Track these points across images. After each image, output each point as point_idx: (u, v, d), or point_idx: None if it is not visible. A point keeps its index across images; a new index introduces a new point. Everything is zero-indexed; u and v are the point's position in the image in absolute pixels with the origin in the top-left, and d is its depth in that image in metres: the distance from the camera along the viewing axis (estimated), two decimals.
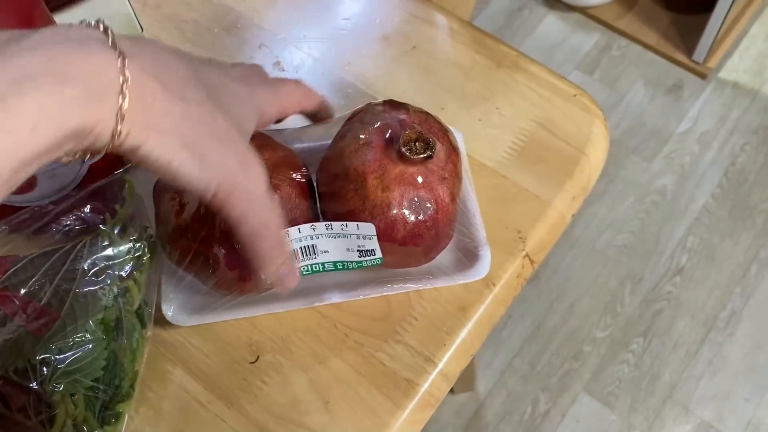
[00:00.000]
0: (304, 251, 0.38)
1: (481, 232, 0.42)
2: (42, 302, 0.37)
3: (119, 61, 0.26)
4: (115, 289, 0.38)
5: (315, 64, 0.51)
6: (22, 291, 0.37)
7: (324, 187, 0.40)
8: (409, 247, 0.39)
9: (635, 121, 1.43)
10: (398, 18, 0.53)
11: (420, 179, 0.37)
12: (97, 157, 0.28)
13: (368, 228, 0.37)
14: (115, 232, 0.40)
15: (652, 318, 1.25)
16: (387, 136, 0.37)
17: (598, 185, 1.35)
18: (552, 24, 1.55)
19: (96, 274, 0.38)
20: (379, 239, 0.38)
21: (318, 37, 0.53)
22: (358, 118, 0.40)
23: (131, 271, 0.39)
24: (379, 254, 0.38)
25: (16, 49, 0.25)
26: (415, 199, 0.37)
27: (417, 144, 0.36)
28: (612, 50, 1.51)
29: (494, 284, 0.43)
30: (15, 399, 0.36)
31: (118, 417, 0.37)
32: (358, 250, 0.38)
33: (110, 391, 0.37)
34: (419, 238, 0.38)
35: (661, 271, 1.29)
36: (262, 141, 0.40)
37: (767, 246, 1.30)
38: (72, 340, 0.36)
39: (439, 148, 0.37)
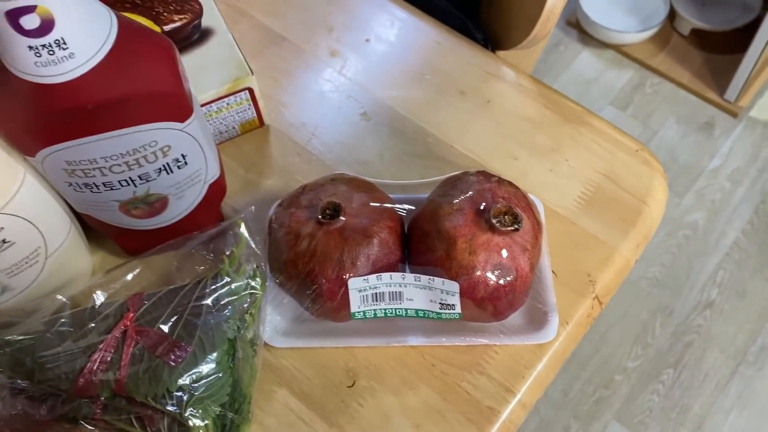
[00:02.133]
0: (391, 296, 0.43)
1: (552, 299, 0.46)
2: (174, 336, 0.42)
3: None
4: (237, 322, 0.43)
5: (397, 117, 0.57)
6: (156, 326, 0.42)
7: (416, 241, 0.44)
8: (486, 306, 0.43)
9: (667, 157, 1.47)
10: (474, 75, 0.58)
11: (505, 249, 0.42)
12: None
13: (452, 285, 0.42)
14: (233, 270, 0.45)
15: (683, 350, 1.28)
16: (479, 205, 0.42)
17: None
18: (587, 60, 1.60)
19: (219, 309, 0.43)
20: (460, 296, 0.42)
21: (400, 93, 0.58)
22: (453, 184, 0.44)
23: (248, 305, 0.45)
24: (458, 309, 0.43)
25: None
26: (498, 265, 0.42)
27: (506, 217, 0.41)
28: (645, 87, 1.56)
29: (567, 323, 0.48)
30: (153, 423, 0.41)
31: None
32: (440, 303, 0.43)
33: (233, 414, 0.42)
34: (497, 300, 0.43)
35: (692, 305, 1.32)
36: (368, 188, 0.45)
37: None
38: (203, 370, 0.41)
39: (525, 222, 0.42)
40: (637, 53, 1.57)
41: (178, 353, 0.41)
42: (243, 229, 0.45)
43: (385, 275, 0.42)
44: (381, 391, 0.46)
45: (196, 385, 0.41)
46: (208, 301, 0.43)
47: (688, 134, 1.50)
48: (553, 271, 0.49)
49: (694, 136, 1.50)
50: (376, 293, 0.43)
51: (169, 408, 0.40)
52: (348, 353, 0.47)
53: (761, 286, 1.33)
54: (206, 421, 0.40)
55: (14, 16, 0.32)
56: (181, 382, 0.40)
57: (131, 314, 0.43)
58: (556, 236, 0.50)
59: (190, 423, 0.40)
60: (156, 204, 0.45)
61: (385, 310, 0.44)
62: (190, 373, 0.41)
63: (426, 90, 0.58)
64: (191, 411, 0.40)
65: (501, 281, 0.42)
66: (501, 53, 0.62)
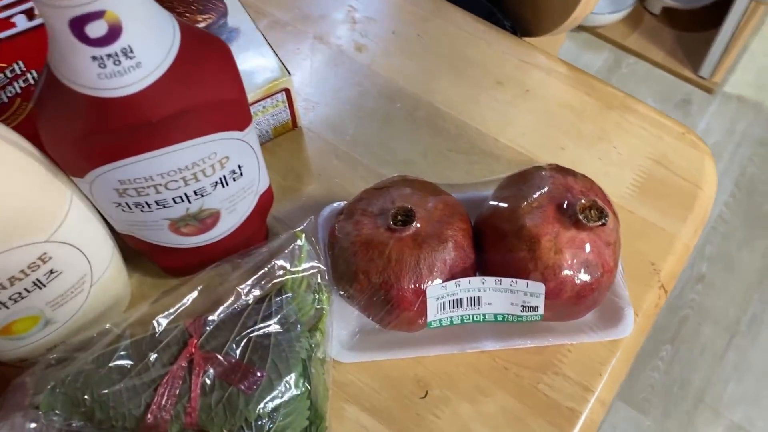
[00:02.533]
0: (469, 301, 0.41)
1: (625, 292, 0.45)
2: (245, 360, 0.39)
3: None
4: (308, 340, 0.40)
5: (436, 113, 0.54)
6: (224, 351, 0.39)
7: (490, 242, 0.42)
8: (571, 306, 0.41)
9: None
10: (509, 64, 0.56)
11: (589, 245, 0.40)
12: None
13: (538, 287, 0.40)
14: (297, 285, 0.42)
15: (678, 325, 1.30)
16: (559, 201, 0.40)
17: None
18: (563, 44, 1.60)
19: (288, 328, 0.40)
20: (545, 297, 0.41)
21: (437, 86, 0.56)
22: (524, 180, 0.42)
23: (316, 321, 0.42)
24: (541, 311, 0.41)
25: None
26: (585, 262, 0.40)
27: (592, 211, 0.39)
28: (621, 68, 1.57)
29: (637, 315, 0.46)
30: None
31: None
32: (521, 306, 0.41)
33: None
34: (583, 298, 0.41)
35: (684, 280, 1.34)
36: (436, 190, 0.43)
37: None
38: (280, 395, 0.38)
39: (609, 216, 0.40)
40: (611, 34, 1.57)
41: (252, 379, 0.38)
42: (303, 241, 0.43)
43: (464, 281, 0.40)
44: (455, 400, 0.44)
45: (275, 412, 0.38)
46: (276, 320, 0.40)
47: (665, 112, 1.51)
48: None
49: (672, 113, 1.51)
50: (453, 300, 0.41)
51: None
52: (416, 363, 0.45)
53: (748, 257, 1.36)
54: None
55: (79, 23, 0.29)
56: (259, 410, 0.38)
57: (195, 340, 0.39)
58: None
59: None
60: (208, 220, 0.42)
61: (462, 316, 0.42)
62: (267, 399, 0.38)
63: (462, 82, 0.56)
64: None
65: (588, 279, 0.40)
66: (528, 40, 0.60)
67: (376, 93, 0.55)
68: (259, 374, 0.38)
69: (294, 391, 0.39)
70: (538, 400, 0.44)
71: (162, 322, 0.40)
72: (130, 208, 0.39)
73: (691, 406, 1.23)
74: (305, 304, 0.42)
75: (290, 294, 0.41)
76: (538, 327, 0.44)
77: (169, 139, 0.35)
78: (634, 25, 1.58)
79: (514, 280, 0.40)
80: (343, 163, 0.52)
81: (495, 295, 0.41)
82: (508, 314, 0.42)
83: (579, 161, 0.52)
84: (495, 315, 0.42)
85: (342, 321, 0.44)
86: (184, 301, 0.41)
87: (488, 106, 0.54)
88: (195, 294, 0.41)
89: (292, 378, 0.39)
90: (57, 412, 0.38)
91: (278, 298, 0.41)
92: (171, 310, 0.41)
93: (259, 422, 0.37)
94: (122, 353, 0.39)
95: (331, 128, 0.54)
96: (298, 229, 0.43)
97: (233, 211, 0.43)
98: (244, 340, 0.39)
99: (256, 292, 0.42)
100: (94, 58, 0.30)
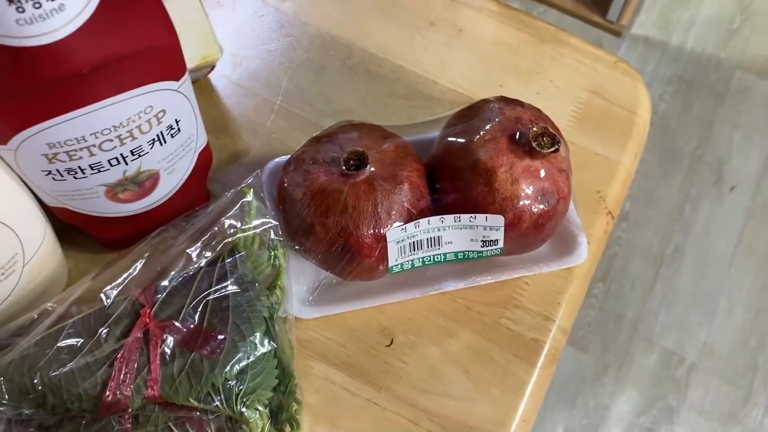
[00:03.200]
0: (429, 242, 0.41)
1: (578, 220, 0.45)
2: (204, 325, 0.37)
3: None
4: (268, 299, 0.39)
5: (371, 59, 0.53)
6: (180, 318, 0.37)
7: (445, 181, 0.41)
8: (530, 236, 0.41)
9: None
10: (438, 3, 0.55)
11: (543, 172, 0.40)
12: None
13: (497, 219, 0.40)
14: (250, 243, 0.40)
15: (608, 262, 1.35)
16: (511, 132, 0.40)
17: None
18: None
19: (246, 289, 0.38)
20: (504, 230, 0.40)
21: (368, 31, 0.54)
22: (473, 114, 0.42)
23: (274, 279, 0.40)
24: (501, 244, 0.41)
25: None
26: (541, 190, 0.40)
27: (545, 138, 0.39)
28: None
29: (588, 242, 0.47)
30: (200, 427, 0.36)
31: (296, 423, 0.38)
32: (482, 241, 0.41)
33: (283, 397, 0.38)
34: (541, 227, 0.41)
35: None
36: (384, 133, 0.42)
37: (696, 184, 1.42)
38: (246, 356, 0.37)
39: (561, 142, 0.40)
40: None
41: (214, 343, 0.36)
42: (251, 197, 0.41)
43: (423, 221, 0.39)
44: (422, 344, 0.44)
45: (242, 374, 0.36)
46: (232, 281, 0.38)
47: None
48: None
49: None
50: (414, 242, 0.40)
51: (217, 404, 0.36)
52: (378, 312, 0.44)
53: (667, 192, 1.42)
54: (259, 410, 0.36)
55: None
56: (226, 373, 0.36)
57: (148, 310, 0.37)
58: None
59: (246, 416, 0.36)
60: (146, 183, 0.39)
61: (423, 258, 0.41)
62: (233, 361, 0.36)
63: (394, 25, 0.54)
64: (244, 401, 0.36)
65: (545, 206, 0.40)
66: None
67: (307, 43, 0.53)
68: (221, 337, 0.37)
69: (259, 350, 0.37)
70: (502, 335, 0.44)
71: (110, 294, 0.37)
72: (61, 175, 0.36)
73: (626, 339, 1.28)
74: (261, 261, 0.40)
75: (244, 253, 0.39)
76: (496, 263, 0.44)
77: (101, 93, 0.32)
78: None
79: (473, 215, 0.39)
80: (279, 117, 0.50)
81: (455, 233, 0.40)
82: (468, 251, 0.41)
83: (518, 97, 0.51)
84: (456, 254, 0.41)
85: (299, 276, 0.43)
86: (131, 270, 0.38)
87: (423, 48, 0.53)
88: (142, 262, 0.39)
89: (256, 338, 0.37)
90: (4, 401, 0.35)
91: (231, 258, 0.39)
92: (118, 281, 0.38)
93: (228, 386, 0.36)
94: (70, 331, 0.36)
95: (262, 82, 0.51)
96: (243, 185, 0.41)
97: (173, 171, 0.40)
98: (201, 305, 0.37)
99: (208, 254, 0.39)
100: (10, 1, 0.27)
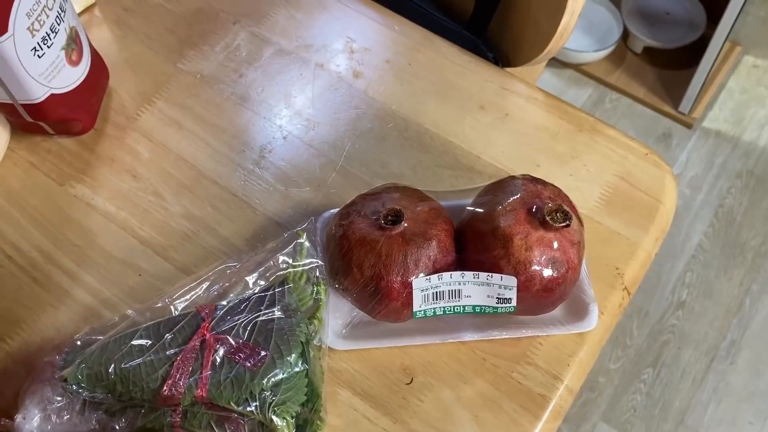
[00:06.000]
0: (450, 294, 0.47)
1: (591, 291, 0.50)
2: (251, 342, 0.44)
3: None
4: (307, 327, 0.46)
5: (424, 132, 0.60)
6: (233, 334, 0.44)
7: (470, 242, 0.48)
8: (540, 299, 0.47)
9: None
10: (490, 90, 0.63)
11: (556, 243, 0.46)
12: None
13: (510, 280, 0.46)
14: (298, 278, 0.47)
15: (660, 349, 1.34)
16: (530, 205, 0.46)
17: None
18: (548, 80, 1.68)
19: (289, 315, 0.45)
20: (516, 290, 0.46)
21: (425, 108, 0.62)
22: (500, 188, 0.48)
23: (314, 311, 0.47)
24: (514, 303, 0.47)
25: None
26: (552, 259, 0.46)
27: (558, 214, 0.45)
28: (605, 103, 1.64)
29: (602, 312, 0.52)
30: (237, 427, 0.43)
31: None
32: (497, 298, 0.46)
33: (309, 414, 0.44)
34: (550, 292, 0.46)
35: (665, 306, 1.39)
36: (420, 195, 0.49)
37: (758, 280, 1.41)
38: (281, 373, 0.43)
39: (573, 219, 0.46)
40: (595, 71, 1.65)
41: (257, 358, 0.43)
42: (304, 239, 0.48)
43: (446, 275, 0.45)
44: (438, 387, 0.49)
45: (276, 387, 0.43)
46: (278, 308, 0.45)
47: (647, 145, 1.58)
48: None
49: (653, 146, 1.58)
50: (436, 292, 0.46)
51: (252, 410, 0.42)
52: (403, 353, 0.50)
53: (726, 284, 1.41)
54: (288, 419, 0.43)
55: None
56: (263, 384, 0.42)
57: (207, 324, 0.44)
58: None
59: (275, 423, 0.42)
60: (74, 53, 0.54)
61: (444, 308, 0.47)
62: (270, 375, 0.43)
63: (448, 106, 0.62)
64: (275, 411, 0.42)
65: (554, 273, 0.45)
66: (509, 70, 0.66)
67: (371, 115, 0.61)
68: (263, 353, 0.43)
69: (294, 369, 0.44)
70: (512, 387, 0.49)
71: (178, 306, 0.45)
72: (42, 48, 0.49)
73: (671, 428, 1.27)
74: (305, 294, 0.47)
75: (291, 285, 0.47)
76: (512, 322, 0.50)
77: None
78: (617, 63, 1.66)
79: (490, 274, 0.45)
80: (339, 175, 0.58)
81: (473, 288, 0.46)
82: (485, 306, 0.47)
83: (552, 177, 0.58)
84: (474, 307, 0.47)
85: (336, 312, 0.49)
86: (198, 290, 0.46)
87: (471, 128, 0.60)
88: (207, 284, 0.46)
89: (292, 358, 0.44)
90: (83, 385, 0.43)
91: (280, 288, 0.46)
92: (186, 297, 0.46)
93: (263, 395, 0.42)
94: (142, 333, 0.44)
95: (329, 145, 0.60)
96: (299, 228, 0.48)
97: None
98: (251, 324, 0.44)
99: (262, 283, 0.47)
100: None
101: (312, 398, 0.45)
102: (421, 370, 0.50)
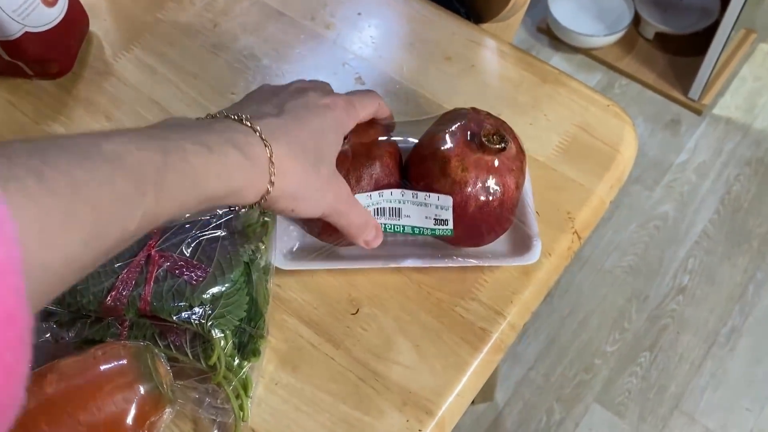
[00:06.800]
0: (391, 211, 0.48)
1: (535, 226, 0.51)
2: (194, 259, 0.46)
3: (267, 150, 0.38)
4: (251, 249, 0.47)
5: (389, 80, 0.62)
6: (177, 251, 0.46)
7: (414, 167, 0.49)
8: (478, 223, 0.48)
9: (637, 153, 1.54)
10: (458, 43, 0.64)
11: (492, 167, 0.47)
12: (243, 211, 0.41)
13: (446, 200, 0.47)
14: None
15: (658, 334, 1.33)
16: (470, 130, 0.47)
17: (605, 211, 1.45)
18: (558, 64, 1.68)
19: (234, 237, 0.47)
20: (453, 211, 0.47)
21: (392, 58, 0.63)
22: (447, 118, 0.49)
23: (261, 234, 0.49)
24: (450, 225, 0.48)
25: (217, 126, 0.37)
26: (488, 181, 0.47)
27: (494, 137, 0.46)
28: (614, 88, 1.63)
29: (550, 254, 0.52)
30: (177, 337, 0.44)
31: (257, 352, 0.46)
32: (434, 219, 0.48)
33: (250, 330, 0.46)
34: (486, 215, 0.47)
35: (665, 290, 1.38)
36: (370, 122, 0.50)
37: (762, 268, 1.39)
38: (222, 288, 0.45)
39: (511, 145, 0.47)
40: (605, 56, 1.64)
41: (199, 273, 0.45)
42: None
43: (386, 192, 0.47)
44: (382, 318, 0.50)
45: (216, 301, 0.45)
46: (223, 227, 0.47)
47: (655, 131, 1.57)
48: (536, 211, 0.54)
49: (662, 133, 1.57)
50: (377, 208, 0.48)
51: (192, 321, 0.44)
52: (351, 286, 0.51)
53: (729, 271, 1.39)
54: (226, 332, 0.44)
55: None
56: (202, 297, 0.44)
57: (154, 242, 0.46)
58: (538, 181, 0.55)
59: (212, 334, 0.44)
60: None
61: (384, 225, 0.48)
62: (210, 291, 0.45)
63: (415, 57, 0.63)
64: (212, 323, 0.44)
65: (490, 197, 0.46)
66: (483, 26, 0.67)
67: (339, 64, 0.63)
68: (204, 269, 0.45)
69: (234, 287, 0.45)
70: (454, 321, 0.50)
71: None
72: None
73: (666, 412, 1.26)
74: (252, 219, 0.49)
75: (240, 211, 0.48)
76: (455, 254, 0.51)
77: None
78: (627, 49, 1.65)
79: (427, 194, 0.47)
80: None
81: (412, 208, 0.48)
82: (423, 227, 0.48)
83: (512, 125, 0.58)
84: (413, 228, 0.48)
85: (285, 236, 0.51)
86: None
87: (436, 78, 0.62)
88: None
89: (233, 275, 0.45)
90: None
91: (227, 210, 0.48)
92: None
93: (203, 308, 0.44)
94: None
95: None
96: None
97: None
98: (195, 242, 0.46)
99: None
100: None
101: (255, 317, 0.46)
102: (367, 302, 0.51)
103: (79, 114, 0.60)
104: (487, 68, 0.62)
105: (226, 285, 0.45)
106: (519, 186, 0.48)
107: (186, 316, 0.44)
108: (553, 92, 0.61)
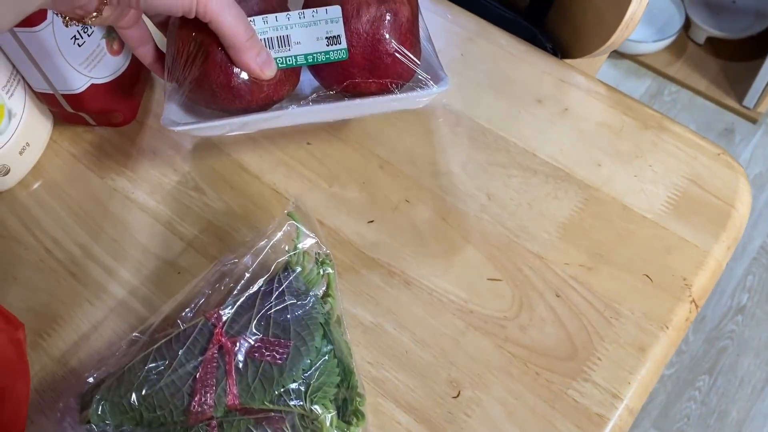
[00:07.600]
0: (280, 41, 0.46)
1: (437, 60, 0.50)
2: (270, 336, 0.42)
3: None
4: (322, 306, 0.43)
5: (476, 126, 0.57)
6: (248, 333, 0.42)
7: None
8: (369, 38, 0.45)
9: None
10: (548, 83, 0.59)
11: None
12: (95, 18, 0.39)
13: (335, 10, 0.45)
14: (299, 259, 0.45)
15: (717, 356, 1.28)
16: None
17: None
18: (604, 71, 1.62)
19: (302, 300, 0.43)
20: (346, 26, 0.45)
21: (478, 104, 0.58)
22: None
23: (326, 288, 0.45)
24: (344, 43, 0.45)
25: None
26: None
27: None
28: (663, 96, 1.57)
29: (667, 327, 0.48)
30: (273, 425, 0.40)
31: (360, 414, 0.41)
32: (326, 38, 0.45)
33: (345, 392, 0.42)
34: (376, 30, 0.45)
35: (723, 310, 1.33)
36: None
37: None
38: (309, 359, 0.41)
39: None
40: (654, 62, 1.58)
41: (280, 350, 0.41)
42: (296, 220, 0.46)
43: (271, 17, 0.45)
44: (487, 401, 0.46)
45: (308, 375, 0.40)
46: (288, 295, 0.43)
47: None
48: (648, 276, 0.49)
49: (715, 142, 1.51)
50: (265, 39, 0.45)
51: (292, 403, 0.40)
52: (449, 363, 0.47)
53: None
54: (327, 404, 0.40)
55: None
56: (293, 376, 0.40)
57: (219, 329, 0.42)
58: (649, 241, 0.50)
59: (316, 411, 0.39)
60: (116, 43, 0.53)
61: (276, 59, 0.46)
62: (299, 365, 0.40)
63: (502, 100, 0.58)
64: (313, 399, 0.40)
65: (379, 13, 0.45)
66: (569, 61, 0.62)
67: (419, 109, 0.58)
68: (285, 345, 0.41)
69: (320, 353, 0.41)
70: (567, 405, 0.46)
71: (185, 319, 0.43)
72: (81, 36, 0.49)
73: None
74: (312, 275, 0.44)
75: (297, 268, 0.44)
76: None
77: None
78: (677, 54, 1.58)
79: (315, 9, 0.45)
80: (384, 172, 0.55)
81: (301, 32, 0.45)
82: (316, 53, 0.46)
83: (615, 177, 0.54)
84: (306, 56, 0.46)
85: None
86: (200, 296, 0.44)
87: (527, 123, 0.57)
88: (208, 289, 0.44)
89: (316, 341, 0.41)
90: (107, 422, 0.41)
91: (285, 274, 0.43)
92: (189, 308, 0.44)
93: (296, 387, 0.40)
94: (155, 355, 0.42)
95: (372, 140, 0.57)
96: (287, 211, 0.45)
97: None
98: (264, 319, 0.42)
99: (264, 275, 0.44)
100: None
101: (345, 376, 0.42)
102: (469, 383, 0.46)
103: (144, 166, 0.56)
104: (581, 112, 0.57)
105: (313, 353, 0.41)
106: (414, 12, 0.47)
107: (283, 400, 0.40)
108: (657, 139, 0.56)
